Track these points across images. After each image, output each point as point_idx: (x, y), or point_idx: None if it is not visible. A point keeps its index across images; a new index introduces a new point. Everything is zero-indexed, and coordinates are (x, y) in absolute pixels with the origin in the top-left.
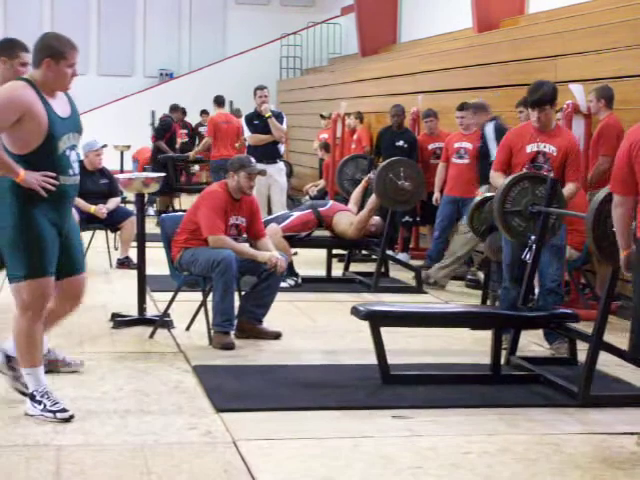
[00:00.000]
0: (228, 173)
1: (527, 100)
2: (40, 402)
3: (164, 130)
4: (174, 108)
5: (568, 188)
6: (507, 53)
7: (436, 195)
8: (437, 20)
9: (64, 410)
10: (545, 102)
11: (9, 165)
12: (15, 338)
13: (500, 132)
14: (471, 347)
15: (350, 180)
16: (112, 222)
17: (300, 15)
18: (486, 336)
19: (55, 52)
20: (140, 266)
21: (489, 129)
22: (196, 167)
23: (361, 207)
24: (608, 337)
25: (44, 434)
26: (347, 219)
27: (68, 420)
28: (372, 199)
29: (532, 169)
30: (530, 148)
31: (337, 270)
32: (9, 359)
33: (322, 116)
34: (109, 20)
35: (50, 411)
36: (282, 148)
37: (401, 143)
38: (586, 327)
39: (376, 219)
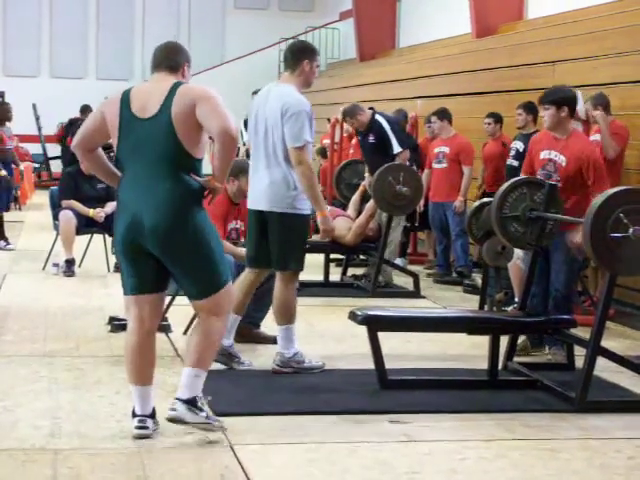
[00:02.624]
0: (228, 178)
1: None
2: (202, 409)
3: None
4: (85, 109)
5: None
6: (505, 58)
7: (420, 202)
8: (436, 25)
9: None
10: (545, 100)
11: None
12: (209, 341)
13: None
14: (468, 352)
15: (348, 185)
16: (110, 226)
17: (299, 20)
18: (483, 341)
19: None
20: None
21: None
22: None
23: (360, 212)
24: (605, 342)
25: (41, 438)
26: (345, 224)
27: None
28: (370, 204)
29: (543, 176)
30: (543, 155)
31: (335, 275)
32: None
33: (329, 120)
34: (107, 24)
35: (212, 419)
36: None
37: None
38: (584, 332)
39: (374, 224)
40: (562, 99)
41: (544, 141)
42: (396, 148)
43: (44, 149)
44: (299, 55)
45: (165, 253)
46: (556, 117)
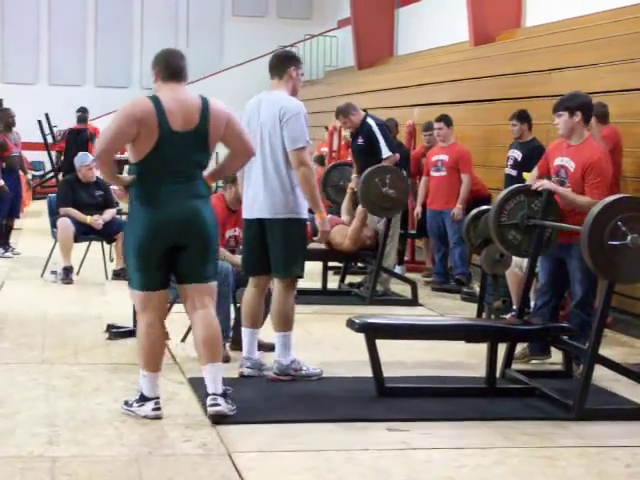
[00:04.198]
0: (225, 185)
1: None
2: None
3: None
4: (84, 119)
5: (584, 197)
6: (503, 66)
7: (417, 209)
8: (434, 33)
9: None
10: (558, 106)
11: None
12: (217, 335)
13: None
14: (466, 360)
15: (335, 187)
16: (108, 233)
17: (297, 27)
18: (481, 349)
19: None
20: None
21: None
22: None
23: (354, 216)
24: (603, 350)
25: (39, 445)
26: (343, 231)
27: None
28: (360, 209)
29: (557, 183)
30: (557, 161)
31: (333, 282)
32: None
33: (327, 128)
34: (106, 32)
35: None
36: None
37: None
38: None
39: (370, 232)
40: (576, 105)
41: (559, 148)
42: (385, 152)
43: (52, 162)
44: (285, 62)
45: (203, 238)
46: (569, 123)
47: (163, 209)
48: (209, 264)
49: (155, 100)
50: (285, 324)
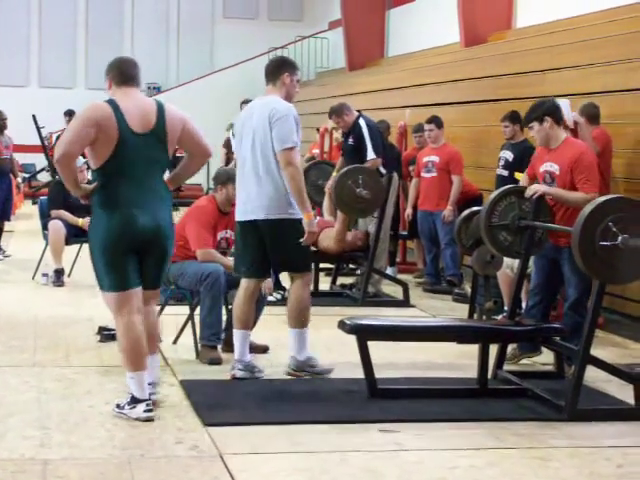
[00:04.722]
0: (216, 187)
1: None
2: None
3: None
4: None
5: (577, 194)
6: (495, 67)
7: (408, 211)
8: (425, 34)
9: None
10: (528, 120)
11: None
12: (155, 325)
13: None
14: (458, 361)
15: (314, 187)
16: None
17: (288, 29)
18: (473, 350)
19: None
20: None
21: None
22: None
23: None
24: (595, 351)
25: (30, 448)
26: (330, 234)
27: None
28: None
29: None
30: (542, 168)
31: (324, 284)
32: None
33: (318, 130)
34: (97, 34)
35: None
36: None
37: None
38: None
39: (362, 233)
40: (542, 111)
41: (542, 154)
42: (370, 154)
43: (50, 165)
44: (279, 68)
45: (164, 246)
46: (543, 131)
47: (125, 210)
48: (163, 274)
49: (112, 103)
50: (302, 320)
